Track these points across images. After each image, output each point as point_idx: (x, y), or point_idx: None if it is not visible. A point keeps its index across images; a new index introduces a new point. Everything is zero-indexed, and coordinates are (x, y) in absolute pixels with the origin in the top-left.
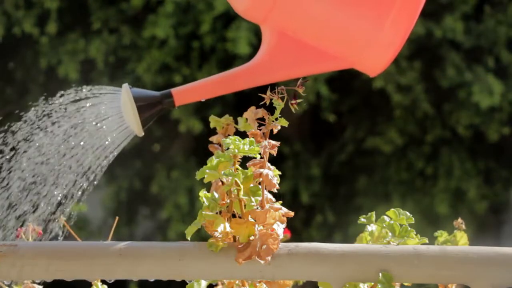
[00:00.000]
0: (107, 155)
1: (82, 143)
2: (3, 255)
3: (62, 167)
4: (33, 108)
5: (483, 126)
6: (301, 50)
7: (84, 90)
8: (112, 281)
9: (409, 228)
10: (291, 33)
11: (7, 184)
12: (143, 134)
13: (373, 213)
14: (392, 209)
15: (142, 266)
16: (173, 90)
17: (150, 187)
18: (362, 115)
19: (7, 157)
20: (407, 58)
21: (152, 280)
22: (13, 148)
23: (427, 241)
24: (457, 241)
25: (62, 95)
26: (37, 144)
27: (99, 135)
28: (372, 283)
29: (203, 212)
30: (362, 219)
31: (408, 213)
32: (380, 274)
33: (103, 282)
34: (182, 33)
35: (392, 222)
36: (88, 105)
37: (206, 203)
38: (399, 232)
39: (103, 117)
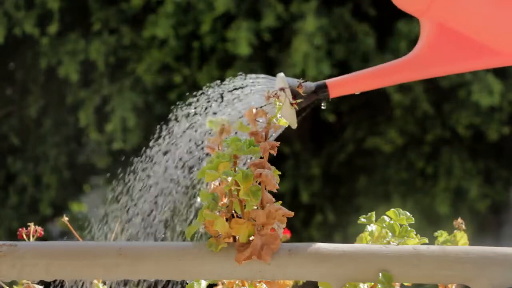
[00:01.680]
0: None
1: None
2: (3, 255)
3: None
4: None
5: (483, 126)
6: (463, 44)
7: (239, 79)
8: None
9: (409, 228)
10: (453, 25)
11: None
12: (296, 125)
13: (373, 213)
14: (392, 209)
15: (142, 266)
16: (328, 82)
17: None
18: (362, 115)
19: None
20: None
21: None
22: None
23: (427, 241)
24: (457, 241)
25: (220, 84)
26: (198, 130)
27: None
28: (372, 283)
29: (203, 212)
30: (362, 219)
31: (408, 213)
32: (380, 274)
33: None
34: (182, 33)
35: (392, 222)
36: (243, 93)
37: (206, 203)
38: (399, 232)
39: (256, 105)
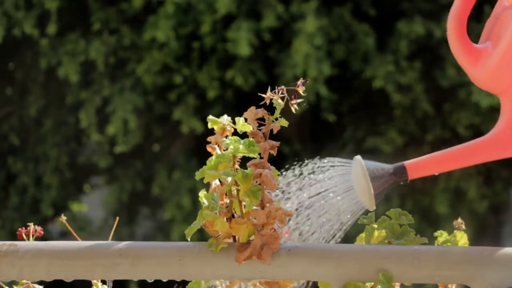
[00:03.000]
0: (337, 229)
1: (314, 215)
2: (3, 255)
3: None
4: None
5: (483, 125)
6: None
7: (316, 163)
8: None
9: (409, 228)
10: None
11: None
12: (375, 208)
13: (373, 213)
14: (392, 209)
15: (142, 266)
16: (407, 164)
17: (152, 188)
18: (362, 115)
19: None
20: (407, 58)
21: (151, 280)
22: None
23: (427, 241)
24: (457, 241)
25: (299, 167)
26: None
27: (330, 207)
28: (372, 283)
29: (203, 212)
30: (362, 219)
31: (408, 214)
32: (380, 274)
33: (103, 282)
34: (182, 34)
35: (392, 222)
36: (320, 178)
37: (205, 203)
38: (399, 232)
39: (334, 190)
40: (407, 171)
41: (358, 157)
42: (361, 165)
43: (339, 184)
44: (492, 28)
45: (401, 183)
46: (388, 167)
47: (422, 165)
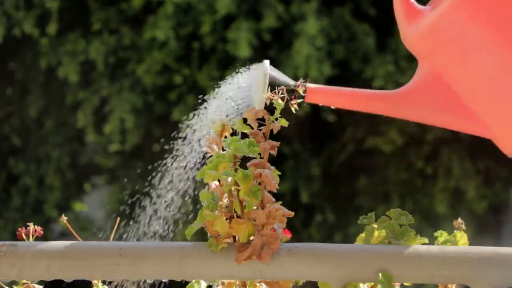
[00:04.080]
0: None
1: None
2: (3, 255)
3: None
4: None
5: None
6: (450, 101)
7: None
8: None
9: (409, 228)
10: (447, 80)
11: None
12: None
13: (373, 213)
14: (392, 209)
15: (142, 266)
16: (308, 86)
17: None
18: (362, 115)
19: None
20: (407, 58)
21: (152, 280)
22: None
23: (427, 241)
24: (457, 241)
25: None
26: None
27: (227, 103)
28: (372, 283)
29: (203, 212)
30: (362, 219)
31: (408, 214)
32: (380, 274)
33: (103, 282)
34: (182, 34)
35: (392, 222)
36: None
37: (205, 203)
38: (399, 232)
39: (236, 87)
40: (306, 91)
41: (267, 61)
42: (266, 67)
43: (244, 80)
44: None
45: (295, 104)
46: (291, 81)
47: (322, 92)
